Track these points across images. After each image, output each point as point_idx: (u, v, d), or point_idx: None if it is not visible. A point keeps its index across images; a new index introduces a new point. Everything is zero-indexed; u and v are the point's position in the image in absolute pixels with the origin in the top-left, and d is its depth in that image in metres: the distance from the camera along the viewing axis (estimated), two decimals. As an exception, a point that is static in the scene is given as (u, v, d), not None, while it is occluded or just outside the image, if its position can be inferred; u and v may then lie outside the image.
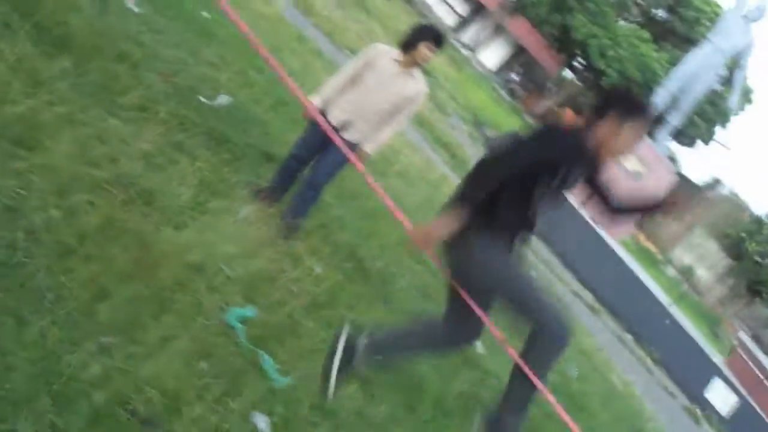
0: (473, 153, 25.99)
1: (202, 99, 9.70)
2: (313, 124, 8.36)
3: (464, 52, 59.67)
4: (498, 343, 6.38)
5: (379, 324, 6.39)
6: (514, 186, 5.17)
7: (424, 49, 8.07)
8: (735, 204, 68.10)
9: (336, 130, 8.22)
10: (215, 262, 6.76)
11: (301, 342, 6.62)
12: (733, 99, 42.66)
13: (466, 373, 9.04)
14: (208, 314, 6.08)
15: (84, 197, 5.99)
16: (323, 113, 8.28)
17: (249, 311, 6.53)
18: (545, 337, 5.29)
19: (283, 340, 6.56)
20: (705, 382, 23.44)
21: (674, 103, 32.36)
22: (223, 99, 10.17)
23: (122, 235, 5.96)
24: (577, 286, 22.48)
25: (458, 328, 5.79)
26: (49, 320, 4.71)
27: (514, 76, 67.82)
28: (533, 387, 5.36)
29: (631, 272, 24.51)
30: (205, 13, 13.12)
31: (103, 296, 5.25)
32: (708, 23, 57.71)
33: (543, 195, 5.25)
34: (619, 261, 24.41)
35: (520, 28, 64.00)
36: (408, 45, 8.14)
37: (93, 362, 4.68)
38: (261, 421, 5.50)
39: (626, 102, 5.18)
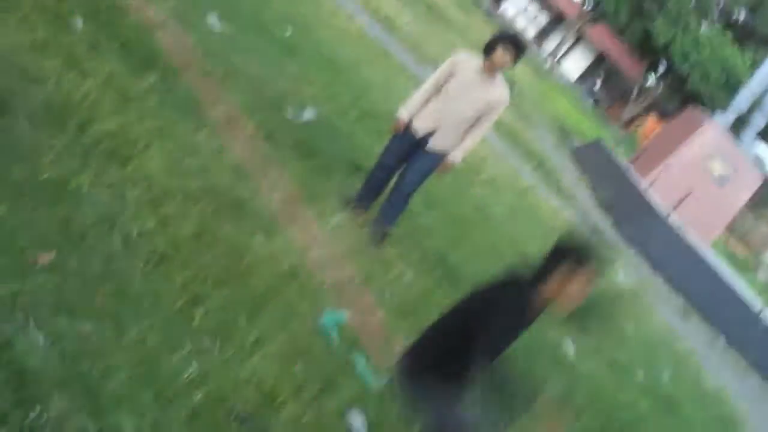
0: (559, 162, 25.88)
1: (289, 112, 9.82)
2: (400, 135, 8.46)
3: (546, 61, 59.55)
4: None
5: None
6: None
7: (501, 51, 8.04)
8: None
9: (422, 139, 8.31)
10: (307, 269, 6.86)
11: (394, 346, 6.67)
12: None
13: (557, 377, 9.03)
14: (302, 318, 6.16)
15: (177, 207, 6.14)
16: (409, 123, 8.37)
17: (342, 315, 6.61)
18: None
19: (376, 343, 6.63)
20: (799, 386, 23.02)
21: (758, 104, 31.85)
22: (309, 112, 10.28)
23: (215, 242, 6.10)
24: (666, 290, 22.22)
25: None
26: (147, 324, 4.83)
27: (597, 84, 67.47)
28: None
29: (721, 276, 24.15)
30: (287, 32, 13.27)
31: (199, 301, 5.39)
32: (791, 22, 56.94)
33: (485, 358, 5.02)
34: (709, 265, 24.07)
35: (601, 35, 63.69)
36: (487, 50, 8.16)
37: (191, 363, 4.79)
38: (357, 419, 5.56)
39: (575, 252, 4.94)
